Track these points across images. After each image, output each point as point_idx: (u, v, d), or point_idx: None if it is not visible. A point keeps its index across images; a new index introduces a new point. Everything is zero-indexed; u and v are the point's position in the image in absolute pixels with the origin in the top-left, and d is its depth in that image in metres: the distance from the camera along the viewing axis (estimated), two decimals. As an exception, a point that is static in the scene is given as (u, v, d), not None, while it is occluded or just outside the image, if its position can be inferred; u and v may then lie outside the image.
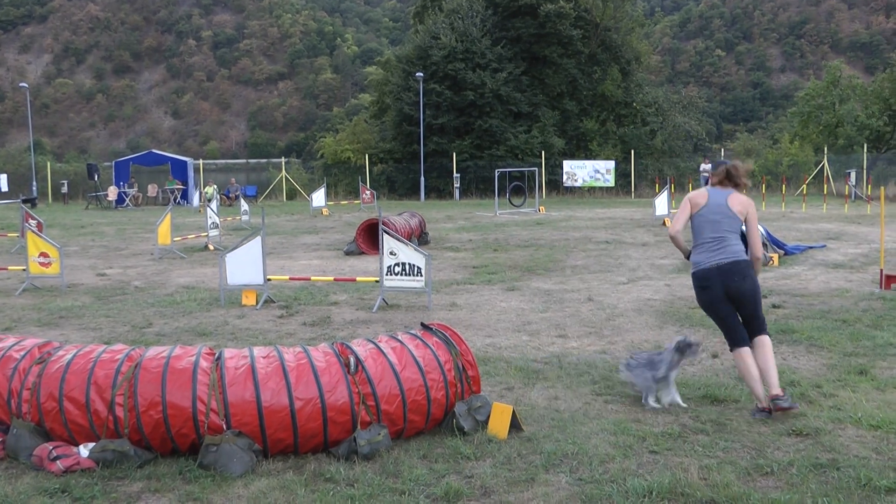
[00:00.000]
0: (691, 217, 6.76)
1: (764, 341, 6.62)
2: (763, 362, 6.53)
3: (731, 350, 6.71)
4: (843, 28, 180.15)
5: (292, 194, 45.85)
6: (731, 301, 6.60)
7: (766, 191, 33.84)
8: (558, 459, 5.49)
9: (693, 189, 34.21)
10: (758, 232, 6.72)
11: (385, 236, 11.37)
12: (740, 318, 6.66)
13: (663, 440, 5.85)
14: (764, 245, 15.25)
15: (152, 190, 43.54)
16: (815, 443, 5.79)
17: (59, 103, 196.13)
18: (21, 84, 50.50)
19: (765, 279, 13.32)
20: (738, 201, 6.66)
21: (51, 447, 5.40)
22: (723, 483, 5.03)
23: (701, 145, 55.69)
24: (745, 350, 6.57)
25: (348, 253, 17.89)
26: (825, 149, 41.61)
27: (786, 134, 49.76)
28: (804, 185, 36.36)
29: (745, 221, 6.71)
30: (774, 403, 6.35)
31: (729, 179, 6.74)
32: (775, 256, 15.05)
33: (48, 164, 48.15)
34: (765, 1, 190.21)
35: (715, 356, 8.29)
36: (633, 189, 43.19)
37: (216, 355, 5.77)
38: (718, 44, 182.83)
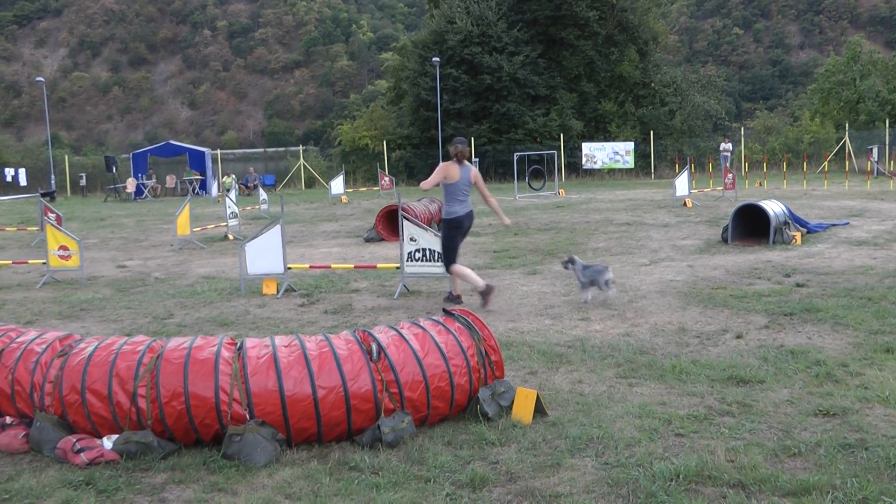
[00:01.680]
0: (450, 183, 10.00)
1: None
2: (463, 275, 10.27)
3: (450, 267, 10.29)
4: (862, 2, 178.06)
5: (311, 182, 45.92)
6: (462, 236, 10.36)
7: (787, 169, 33.58)
8: (584, 444, 5.46)
9: (712, 169, 34.09)
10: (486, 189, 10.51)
11: (405, 222, 11.34)
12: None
13: (689, 422, 5.81)
14: (786, 223, 15.15)
15: (170, 181, 43.74)
16: (843, 422, 5.73)
17: (75, 97, 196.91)
18: (38, 78, 50.68)
19: (787, 258, 13.24)
20: (474, 174, 10.28)
21: (74, 440, 5.42)
22: (750, 465, 4.99)
23: (721, 124, 55.32)
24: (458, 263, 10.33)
25: (368, 240, 17.89)
26: (846, 125, 41.27)
27: (806, 111, 49.36)
28: (826, 163, 36.10)
29: (477, 185, 10.37)
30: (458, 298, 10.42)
31: (460, 157, 10.08)
32: (798, 235, 14.92)
33: (66, 157, 48.43)
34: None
35: (739, 337, 8.23)
36: (652, 170, 43.02)
37: (238, 345, 5.77)
38: (736, 22, 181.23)
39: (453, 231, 10.33)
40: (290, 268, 12.25)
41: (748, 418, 5.87)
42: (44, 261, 14.07)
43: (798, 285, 10.90)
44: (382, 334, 5.97)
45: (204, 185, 41.65)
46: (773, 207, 15.27)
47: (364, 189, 39.32)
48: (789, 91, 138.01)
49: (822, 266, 12.45)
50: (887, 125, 40.62)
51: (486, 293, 10.12)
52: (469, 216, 10.36)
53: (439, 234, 11.51)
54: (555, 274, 12.67)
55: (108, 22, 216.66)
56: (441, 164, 10.27)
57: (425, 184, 10.14)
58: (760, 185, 31.22)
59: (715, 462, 5.04)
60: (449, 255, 10.42)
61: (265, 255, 11.81)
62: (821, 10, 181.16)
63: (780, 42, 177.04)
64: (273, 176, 47.97)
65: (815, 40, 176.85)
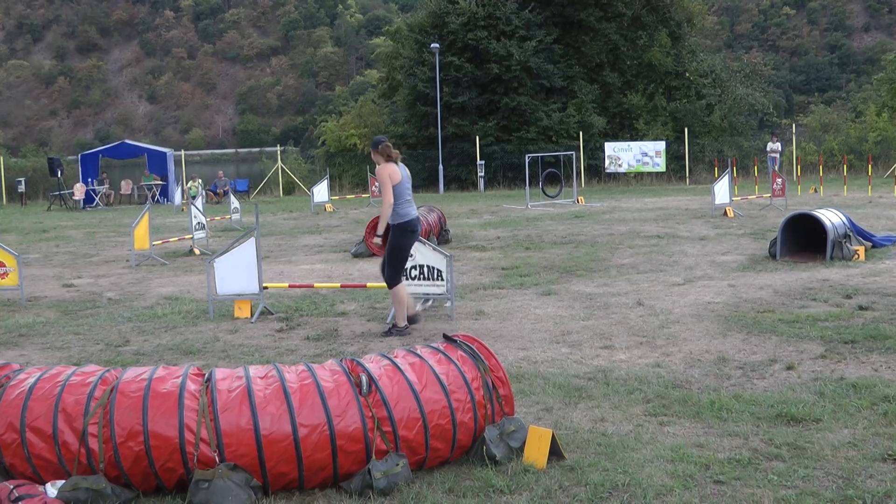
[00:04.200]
0: (395, 184, 10.07)
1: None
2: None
3: (395, 284, 10.23)
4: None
5: (290, 188, 46.01)
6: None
7: (847, 172, 33.63)
8: (607, 492, 5.47)
9: (757, 172, 34.16)
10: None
11: (399, 234, 11.36)
12: None
13: (730, 468, 5.82)
14: (847, 236, 15.16)
15: (126, 187, 43.81)
16: (913, 468, 5.75)
17: (12, 88, 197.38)
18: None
19: (849, 276, 13.25)
20: (407, 174, 10.42)
21: (11, 486, 5.39)
22: (803, 517, 5.00)
23: (768, 121, 55.51)
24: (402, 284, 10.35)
25: (357, 255, 17.92)
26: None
27: (871, 105, 49.45)
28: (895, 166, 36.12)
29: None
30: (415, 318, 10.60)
31: (395, 157, 10.31)
32: (861, 249, 14.92)
33: (1, 159, 48.37)
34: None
35: (790, 368, 8.24)
36: (687, 174, 43.08)
37: (206, 376, 5.79)
38: (787, 0, 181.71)
39: (408, 238, 10.37)
40: (266, 287, 12.26)
41: (801, 463, 5.88)
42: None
43: (861, 308, 10.91)
44: (373, 364, 5.99)
45: (165, 192, 41.74)
46: (831, 217, 15.28)
47: (352, 196, 39.41)
48: (850, 82, 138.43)
49: (891, 286, 12.46)
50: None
51: (411, 319, 10.52)
52: (419, 221, 10.52)
53: (440, 249, 11.54)
54: (573, 295, 12.69)
55: (51, 1, 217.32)
56: (379, 168, 10.26)
57: (387, 196, 10.10)
58: (815, 191, 31.26)
59: (761, 513, 5.05)
60: (396, 269, 10.37)
61: (237, 272, 11.83)
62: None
63: (840, 24, 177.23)
64: (246, 181, 48.06)
65: (883, 21, 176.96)
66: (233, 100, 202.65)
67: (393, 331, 10.27)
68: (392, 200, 10.05)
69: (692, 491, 5.45)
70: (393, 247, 10.31)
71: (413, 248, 11.23)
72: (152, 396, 5.47)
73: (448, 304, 11.50)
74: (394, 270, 10.31)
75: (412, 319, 10.66)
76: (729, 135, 48.70)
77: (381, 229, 10.26)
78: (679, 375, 8.14)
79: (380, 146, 10.29)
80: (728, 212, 23.59)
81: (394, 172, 10.15)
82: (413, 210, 10.31)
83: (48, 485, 5.42)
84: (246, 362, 9.04)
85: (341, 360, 6.09)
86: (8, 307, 13.39)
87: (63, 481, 5.41)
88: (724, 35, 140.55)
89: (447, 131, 46.17)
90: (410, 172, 10.73)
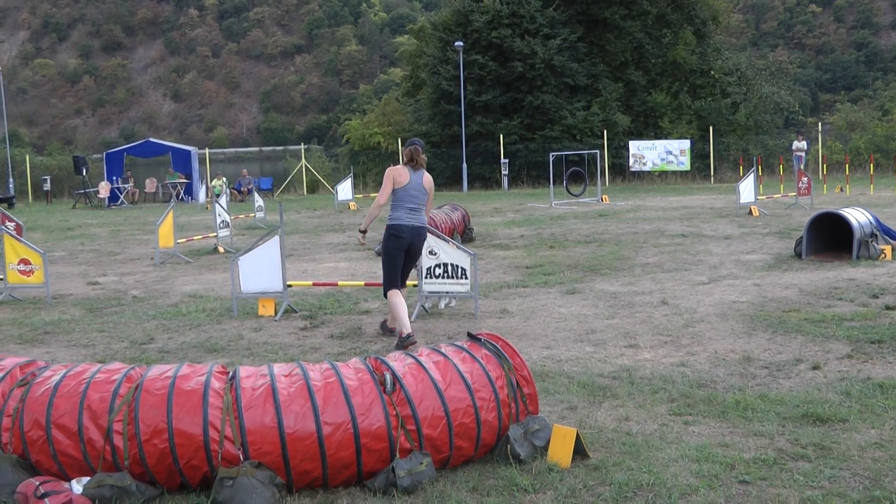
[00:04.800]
0: (397, 188, 9.82)
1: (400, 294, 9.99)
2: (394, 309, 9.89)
3: (386, 290, 9.96)
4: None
5: (314, 186, 46.12)
6: (405, 254, 9.97)
7: (874, 171, 33.42)
8: (631, 492, 5.46)
9: (783, 171, 33.99)
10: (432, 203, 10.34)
11: (422, 233, 11.36)
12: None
13: (756, 468, 5.79)
14: (874, 236, 15.07)
15: (151, 185, 44.00)
16: (941, 469, 5.71)
17: (38, 87, 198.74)
18: (-5, 66, 51.21)
19: (875, 276, 13.17)
20: (427, 180, 10.03)
21: (37, 483, 5.41)
22: (829, 517, 4.97)
23: (793, 119, 55.20)
24: (398, 291, 9.93)
25: (380, 253, 17.92)
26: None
27: (899, 103, 49.14)
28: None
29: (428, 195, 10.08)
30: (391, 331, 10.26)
31: (413, 161, 9.91)
32: (888, 249, 14.83)
33: (27, 157, 48.79)
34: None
35: (816, 367, 8.20)
36: (712, 173, 42.92)
37: (230, 374, 5.80)
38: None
39: (391, 242, 9.92)
40: (290, 285, 12.30)
41: (827, 464, 5.85)
42: (1, 276, 14.18)
43: (888, 308, 10.84)
44: (397, 362, 5.99)
45: (190, 190, 41.88)
46: (858, 217, 15.20)
47: (375, 194, 39.36)
48: (878, 80, 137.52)
49: (915, 285, 12.39)
50: None
51: (403, 340, 9.55)
52: (415, 231, 9.95)
53: (463, 248, 11.54)
54: (597, 294, 12.67)
55: (76, 0, 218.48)
56: (389, 169, 10.03)
57: (380, 196, 9.95)
58: (841, 190, 31.07)
59: (787, 514, 5.03)
60: (387, 275, 10.03)
61: (261, 270, 11.86)
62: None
63: (867, 21, 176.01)
64: (270, 179, 48.23)
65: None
66: (257, 98, 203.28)
67: (401, 341, 9.56)
68: (382, 201, 9.88)
69: (717, 491, 5.43)
70: (382, 251, 10.25)
71: (437, 246, 11.25)
72: (177, 394, 5.49)
73: (472, 302, 11.50)
74: (384, 277, 10.07)
75: (388, 330, 10.45)
76: (754, 133, 48.49)
77: (364, 224, 10.21)
78: (704, 375, 8.11)
79: (406, 148, 10.07)
80: (753, 211, 23.48)
81: (399, 174, 9.85)
82: (407, 217, 9.83)
83: (73, 481, 5.44)
84: (270, 360, 9.06)
85: (365, 359, 6.10)
86: (34, 305, 13.47)
87: (88, 478, 5.43)
88: (750, 33, 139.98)
89: (471, 129, 46.15)
90: (434, 171, 10.56)
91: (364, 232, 10.39)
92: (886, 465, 5.78)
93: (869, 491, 5.37)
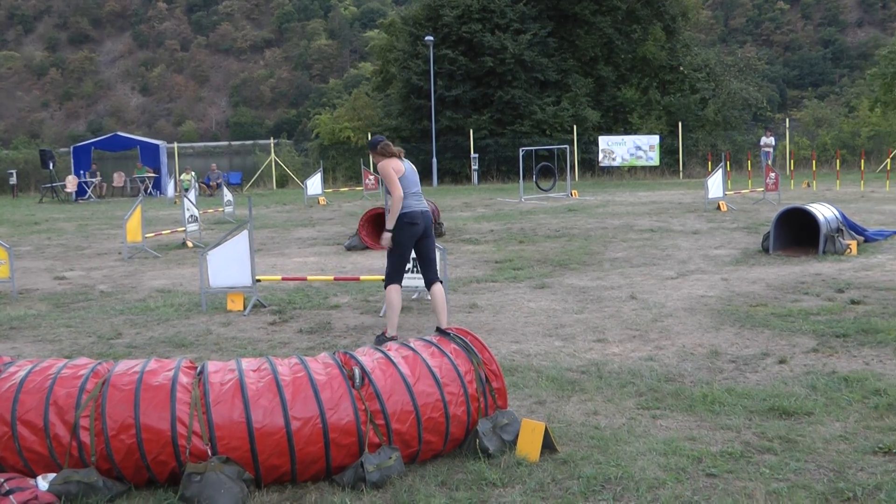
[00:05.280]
0: (399, 177, 9.66)
1: (440, 287, 9.97)
2: (441, 304, 9.87)
3: (389, 283, 9.72)
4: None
5: (283, 181, 45.98)
6: (420, 240, 9.80)
7: (840, 167, 33.69)
8: (599, 485, 5.48)
9: (751, 166, 34.19)
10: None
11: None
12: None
13: (722, 461, 5.83)
14: (840, 231, 15.19)
15: (119, 179, 43.75)
16: (905, 462, 5.76)
17: (4, 80, 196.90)
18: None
19: (841, 270, 13.28)
20: (412, 168, 9.99)
21: (2, 479, 5.38)
22: (795, 510, 5.01)
23: (761, 115, 55.50)
24: (399, 288, 9.79)
25: (350, 248, 17.91)
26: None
27: (864, 100, 49.58)
28: (888, 160, 36.16)
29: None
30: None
31: (391, 153, 9.76)
32: (853, 244, 14.96)
33: (-8, 151, 48.36)
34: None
35: (782, 361, 8.25)
36: (681, 168, 43.13)
37: (198, 369, 5.78)
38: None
39: (405, 230, 9.64)
40: (259, 280, 12.26)
41: (793, 456, 5.89)
42: (-31, 271, 14.07)
43: (853, 302, 10.92)
44: (367, 357, 5.99)
45: (158, 184, 41.66)
46: (824, 212, 15.31)
47: (345, 189, 39.35)
48: (844, 77, 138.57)
49: (883, 280, 12.48)
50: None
51: (385, 338, 9.39)
52: (426, 215, 9.85)
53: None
54: (566, 288, 12.70)
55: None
56: (381, 164, 9.66)
57: (396, 189, 9.53)
58: (808, 185, 31.30)
59: (753, 506, 5.06)
60: (394, 267, 9.80)
61: (230, 265, 11.81)
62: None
63: (834, 18, 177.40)
64: (239, 174, 48.00)
65: (877, 16, 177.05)
66: (226, 92, 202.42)
67: (381, 338, 9.54)
68: (401, 193, 9.53)
69: (684, 484, 5.46)
70: (394, 241, 9.73)
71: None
72: (144, 389, 5.47)
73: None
74: (390, 267, 9.78)
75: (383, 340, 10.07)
76: (723, 129, 48.74)
77: (390, 224, 9.58)
78: (672, 369, 8.16)
79: (378, 146, 9.76)
80: (721, 206, 23.60)
81: (395, 164, 9.67)
82: (416, 203, 9.74)
83: (39, 478, 5.41)
84: (238, 355, 9.04)
85: (334, 353, 6.10)
86: None
87: (54, 474, 5.40)
88: (719, 29, 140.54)
89: (441, 124, 46.15)
90: (412, 164, 10.46)
91: (391, 231, 9.64)
92: (850, 458, 5.83)
93: (833, 483, 5.41)
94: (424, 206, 9.87)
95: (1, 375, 5.74)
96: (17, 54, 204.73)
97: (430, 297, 10.07)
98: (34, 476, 5.44)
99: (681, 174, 42.50)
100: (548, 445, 5.98)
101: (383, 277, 10.14)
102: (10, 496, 5.28)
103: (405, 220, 9.61)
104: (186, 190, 28.86)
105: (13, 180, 43.77)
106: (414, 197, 9.75)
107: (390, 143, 9.87)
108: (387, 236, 9.64)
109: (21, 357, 8.02)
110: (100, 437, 5.39)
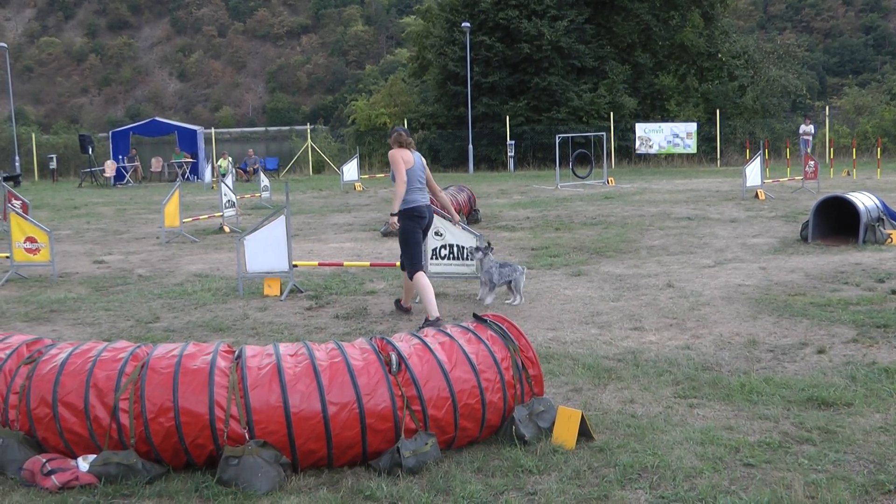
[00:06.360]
0: (407, 169, 9.95)
1: (422, 276, 10.14)
2: (409, 286, 10.43)
3: (414, 272, 10.00)
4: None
5: (320, 167, 46.09)
6: (423, 231, 10.32)
7: (881, 155, 33.34)
8: (636, 473, 5.47)
9: (789, 155, 33.92)
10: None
11: (428, 214, 11.36)
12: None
13: (760, 451, 5.80)
14: (880, 220, 15.03)
15: (156, 164, 44.03)
16: (945, 453, 5.70)
17: (44, 66, 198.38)
18: None
19: (882, 260, 13.15)
20: (421, 159, 10.32)
21: (44, 460, 5.45)
22: (834, 502, 4.97)
23: (801, 103, 55.04)
24: (425, 274, 10.15)
25: (386, 234, 17.92)
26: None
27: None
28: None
29: (427, 175, 10.30)
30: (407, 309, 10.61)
31: (406, 143, 10.10)
32: (894, 233, 14.80)
33: (33, 136, 48.67)
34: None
35: (821, 351, 8.19)
36: (718, 156, 42.84)
37: (236, 353, 5.81)
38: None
39: (413, 223, 10.08)
40: (295, 265, 12.30)
41: (832, 447, 5.85)
42: (7, 254, 14.20)
43: (894, 292, 10.82)
44: (403, 343, 6.00)
45: (195, 170, 41.89)
46: (864, 201, 15.16)
47: (382, 175, 39.38)
48: (885, 64, 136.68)
49: (921, 270, 12.37)
50: None
51: (431, 323, 9.46)
52: (430, 209, 10.27)
53: (469, 229, 11.53)
54: (603, 276, 12.66)
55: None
56: (391, 152, 10.10)
57: (401, 175, 9.86)
58: (848, 174, 31.02)
59: (792, 498, 5.03)
60: (414, 256, 10.16)
61: (267, 250, 11.86)
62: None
63: (876, 4, 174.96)
64: (276, 159, 48.20)
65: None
66: (263, 78, 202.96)
67: (427, 322, 9.68)
68: (405, 178, 9.88)
69: (721, 473, 5.44)
70: (401, 233, 10.15)
71: (443, 227, 11.26)
72: (183, 373, 5.50)
73: (477, 284, 11.49)
74: (407, 258, 10.15)
75: (403, 309, 10.66)
76: (761, 117, 48.37)
77: (395, 207, 9.97)
78: (709, 358, 8.11)
79: (393, 135, 10.22)
80: (759, 194, 23.43)
81: (405, 156, 9.99)
82: (421, 198, 10.09)
83: (80, 459, 5.46)
84: (275, 340, 9.08)
85: (371, 339, 6.10)
86: (40, 283, 13.49)
87: (94, 456, 5.45)
88: (758, 16, 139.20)
89: (477, 111, 46.08)
90: (440, 152, 10.60)
91: (396, 215, 10.04)
92: (891, 449, 5.78)
93: (873, 475, 5.37)
94: (427, 201, 10.22)
95: (42, 358, 5.80)
96: (57, 40, 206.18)
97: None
98: (75, 457, 5.50)
99: (718, 162, 42.22)
100: (584, 433, 5.97)
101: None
102: (52, 476, 5.35)
103: (414, 213, 10.05)
104: (223, 175, 28.97)
105: (53, 165, 44.12)
106: (418, 191, 10.09)
107: (404, 134, 10.20)
108: (392, 219, 10.05)
109: (61, 340, 8.08)
110: (139, 419, 5.43)
